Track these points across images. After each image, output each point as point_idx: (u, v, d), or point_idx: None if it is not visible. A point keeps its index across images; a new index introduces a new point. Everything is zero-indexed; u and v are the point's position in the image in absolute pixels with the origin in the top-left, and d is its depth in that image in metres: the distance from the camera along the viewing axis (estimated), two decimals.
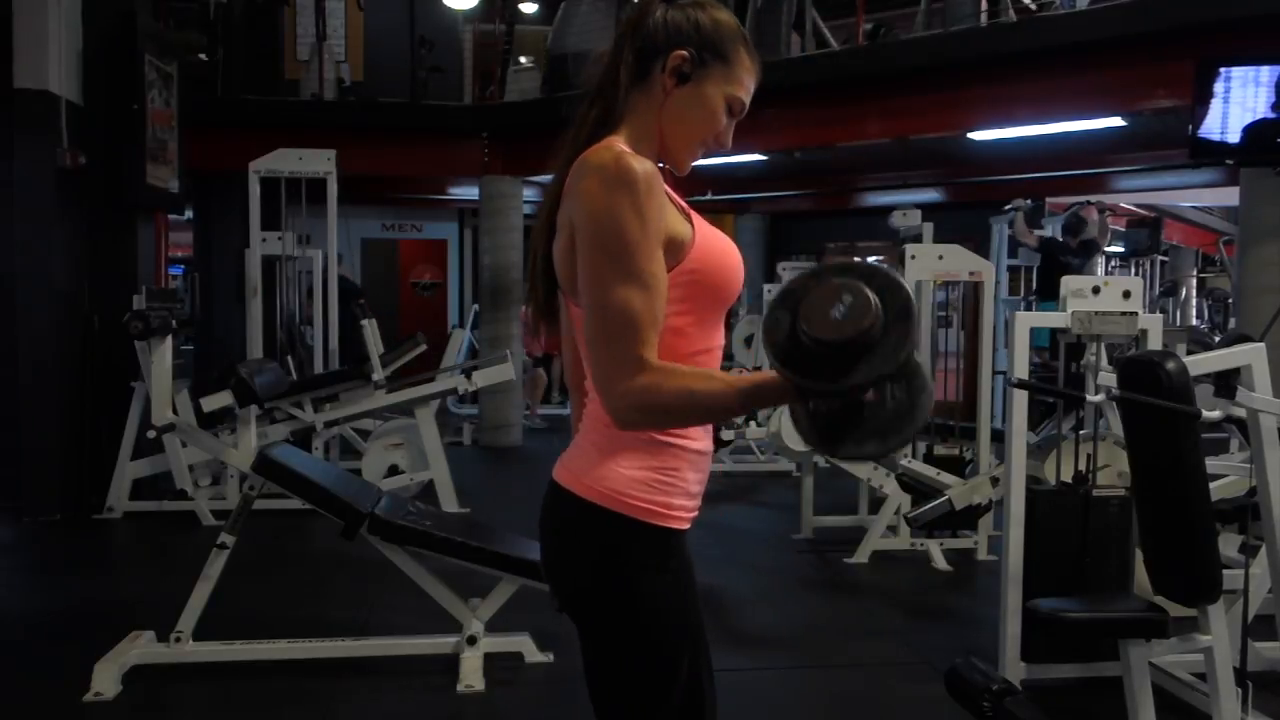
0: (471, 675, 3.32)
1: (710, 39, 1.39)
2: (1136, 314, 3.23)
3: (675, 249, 1.34)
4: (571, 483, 1.40)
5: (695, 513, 1.43)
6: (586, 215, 1.29)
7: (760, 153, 7.86)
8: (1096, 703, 3.16)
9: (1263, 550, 2.83)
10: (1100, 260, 8.77)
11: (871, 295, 1.19)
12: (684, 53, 1.38)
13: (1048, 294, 7.55)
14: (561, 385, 11.03)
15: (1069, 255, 7.50)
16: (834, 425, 1.27)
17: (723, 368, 1.44)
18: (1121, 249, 10.60)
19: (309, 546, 5.22)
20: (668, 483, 1.37)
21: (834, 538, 5.34)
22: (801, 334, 1.21)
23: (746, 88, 1.44)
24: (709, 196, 9.52)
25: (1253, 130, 4.92)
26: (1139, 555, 2.79)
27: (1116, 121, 6.32)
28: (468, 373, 6.23)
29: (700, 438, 1.42)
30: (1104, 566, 3.18)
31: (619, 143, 1.35)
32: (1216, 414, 2.51)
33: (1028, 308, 8.36)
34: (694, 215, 1.40)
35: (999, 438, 4.40)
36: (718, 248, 1.40)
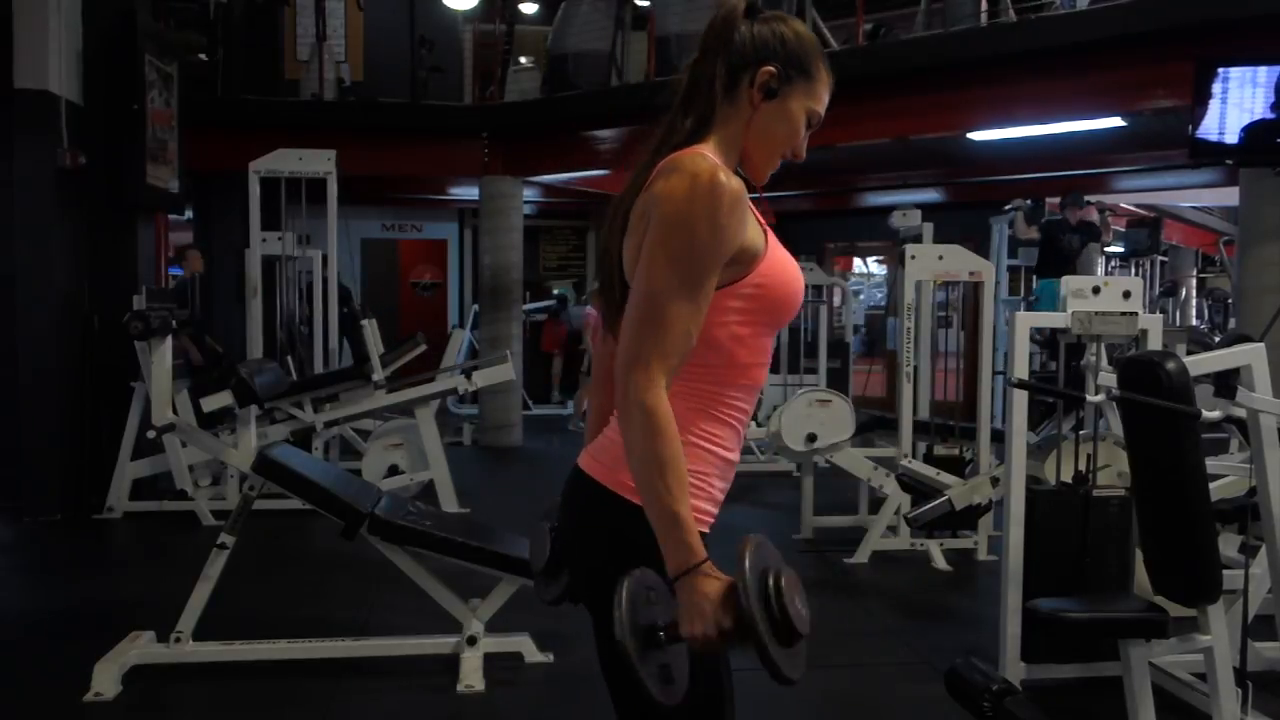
0: (471, 675, 3.32)
1: (795, 54, 1.42)
2: (1136, 314, 3.23)
3: (747, 259, 1.36)
4: (597, 471, 1.41)
5: (714, 519, 1.44)
6: (664, 213, 1.31)
7: None
8: (1096, 703, 3.16)
9: (1263, 550, 2.83)
10: (1100, 259, 8.77)
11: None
12: (771, 69, 1.40)
13: (1047, 272, 7.56)
14: (562, 384, 11.05)
15: (1069, 233, 7.51)
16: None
17: None
18: (1121, 249, 10.61)
19: (309, 546, 5.22)
20: (694, 485, 1.37)
21: (834, 538, 5.34)
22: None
23: (824, 101, 1.47)
24: None
25: (1252, 130, 4.92)
26: (1139, 555, 2.79)
27: (1116, 121, 6.32)
28: (468, 373, 6.23)
29: (733, 447, 1.44)
30: (1104, 566, 3.18)
31: (709, 152, 1.36)
32: (1216, 414, 2.51)
33: (1028, 307, 8.36)
34: (769, 232, 1.43)
35: (999, 438, 4.40)
36: (786, 267, 1.42)
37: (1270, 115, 4.87)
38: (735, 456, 1.45)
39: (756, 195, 1.45)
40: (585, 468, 1.44)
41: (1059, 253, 7.47)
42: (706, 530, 1.41)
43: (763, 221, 1.43)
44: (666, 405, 1.29)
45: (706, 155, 1.35)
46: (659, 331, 1.29)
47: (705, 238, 1.29)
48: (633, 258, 1.37)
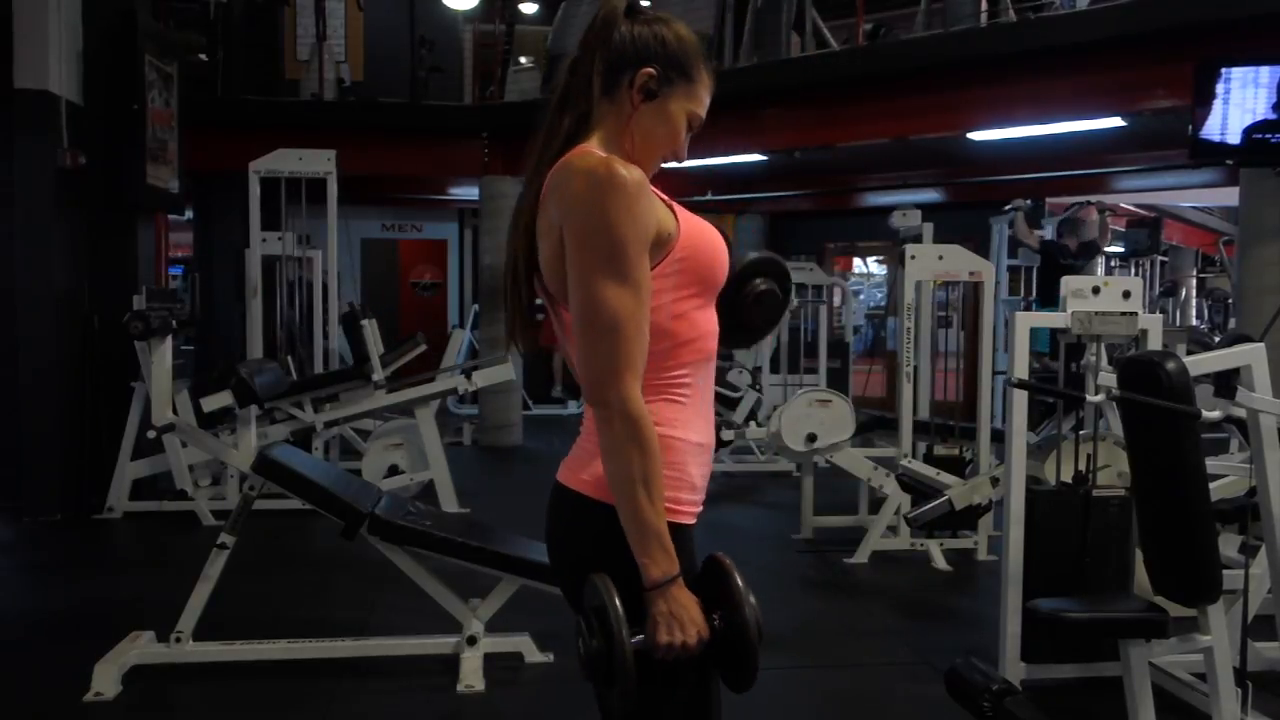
0: (471, 675, 3.32)
1: (675, 57, 1.42)
2: (1136, 314, 3.22)
3: (664, 242, 1.37)
4: (573, 481, 1.42)
5: (699, 507, 1.44)
6: (577, 217, 1.31)
7: (760, 153, 7.85)
8: (1096, 703, 3.16)
9: (1263, 550, 2.83)
10: (1100, 260, 8.76)
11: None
12: (651, 70, 1.41)
13: (1048, 300, 7.55)
14: (563, 380, 11.05)
15: (1070, 258, 7.50)
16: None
17: (721, 368, 1.46)
18: (1121, 249, 10.60)
19: (309, 546, 5.21)
20: (672, 476, 1.37)
21: (834, 538, 5.34)
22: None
23: (705, 104, 1.48)
24: (709, 196, 9.52)
25: (1253, 131, 4.92)
26: (1139, 555, 2.79)
27: (1116, 121, 6.32)
28: (468, 373, 6.23)
29: (700, 430, 1.43)
30: (1104, 566, 3.17)
31: (596, 149, 1.37)
32: (1216, 414, 2.51)
33: (1028, 309, 8.36)
34: (675, 205, 1.43)
35: (999, 438, 4.40)
36: (702, 233, 1.43)
37: (1271, 115, 4.87)
38: (705, 438, 1.45)
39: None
40: (565, 481, 1.44)
41: (1062, 275, 7.44)
42: (693, 520, 1.42)
43: (666, 199, 1.42)
44: (647, 414, 1.31)
45: (594, 151, 1.36)
46: (616, 338, 1.29)
47: (623, 228, 1.29)
48: (550, 265, 1.38)
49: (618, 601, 1.27)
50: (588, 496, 1.39)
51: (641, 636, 1.30)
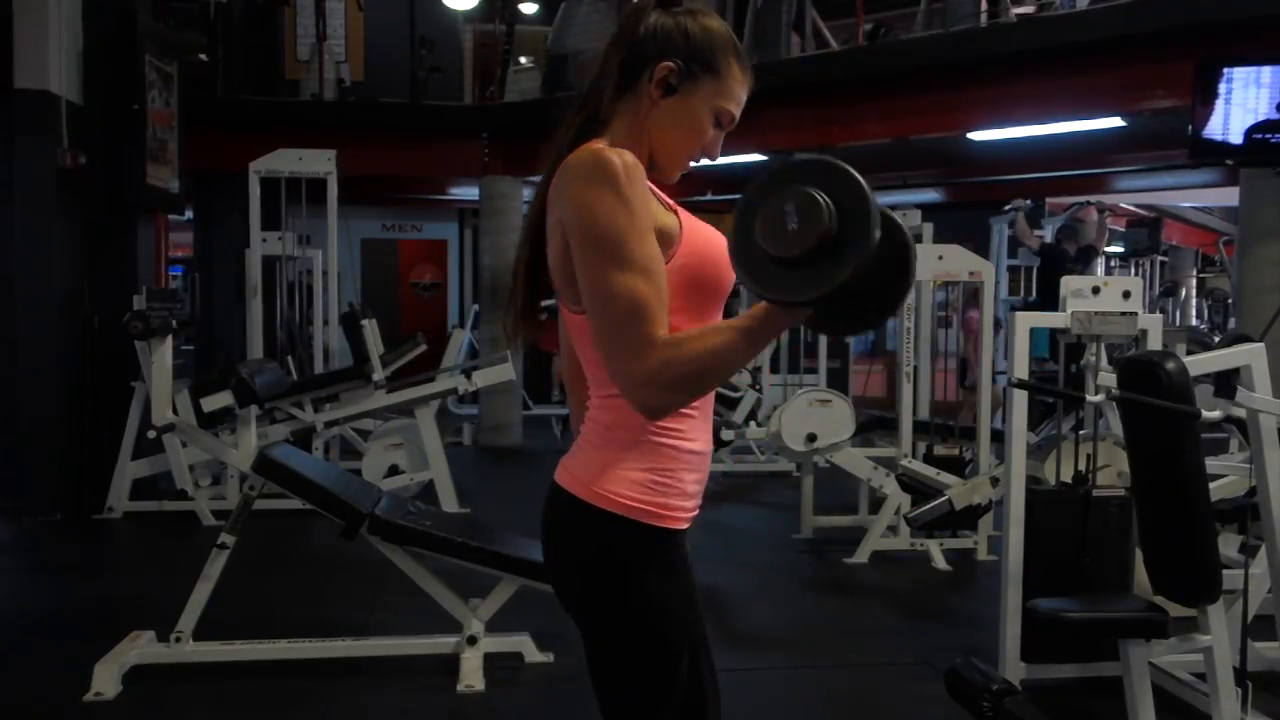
0: (471, 675, 3.32)
1: (699, 50, 1.37)
2: (1136, 314, 3.22)
3: (664, 241, 1.33)
4: (570, 483, 1.41)
5: (695, 512, 1.43)
6: (574, 215, 1.29)
7: (760, 153, 7.85)
8: (1096, 703, 3.16)
9: (1263, 550, 2.83)
10: (1100, 260, 8.77)
11: (817, 194, 1.17)
12: (670, 64, 1.36)
13: (1048, 303, 7.55)
14: (561, 385, 11.05)
15: (1069, 263, 7.51)
16: (845, 316, 1.31)
17: None
18: (1121, 249, 10.61)
19: (309, 546, 5.22)
20: (664, 483, 1.37)
21: (834, 538, 5.34)
22: (766, 257, 1.20)
23: (737, 99, 1.41)
24: (709, 197, 9.51)
25: (1253, 130, 4.92)
26: (1139, 555, 2.79)
27: (1116, 121, 6.32)
28: (468, 373, 6.23)
29: (697, 438, 1.41)
30: (1104, 566, 3.17)
31: (601, 145, 1.34)
32: (1216, 414, 2.51)
33: (1027, 309, 8.35)
34: (679, 209, 1.39)
35: (999, 438, 4.40)
36: (707, 238, 1.39)
37: (1272, 115, 4.87)
38: (702, 446, 1.42)
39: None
40: (562, 483, 1.42)
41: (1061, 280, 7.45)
42: (687, 525, 1.40)
43: (668, 201, 1.39)
44: (671, 352, 1.23)
45: (588, 145, 1.33)
46: (633, 316, 1.24)
47: (617, 215, 1.25)
48: (557, 264, 1.36)
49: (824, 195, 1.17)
50: (588, 503, 1.37)
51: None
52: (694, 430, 1.40)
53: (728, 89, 1.39)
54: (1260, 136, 4.91)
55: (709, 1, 7.22)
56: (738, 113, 1.42)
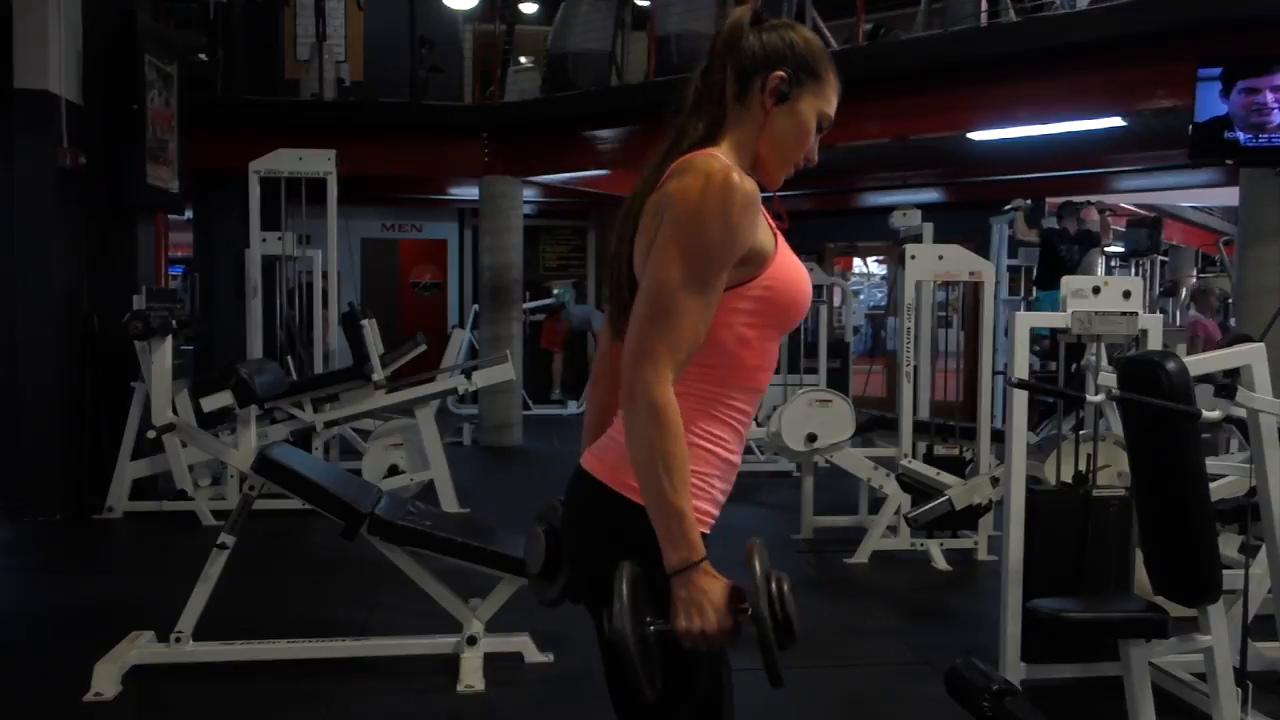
0: (471, 675, 3.32)
1: (804, 58, 1.44)
2: (1136, 314, 3.23)
3: (757, 261, 1.37)
4: (599, 470, 1.42)
5: (715, 519, 1.44)
6: (677, 210, 1.32)
7: None
8: (1096, 703, 3.16)
9: (1263, 550, 2.83)
10: (1100, 259, 8.77)
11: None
12: (782, 73, 1.43)
13: (1047, 284, 7.56)
14: (563, 381, 11.05)
15: (1068, 243, 7.52)
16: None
17: None
18: (1121, 249, 10.60)
19: (309, 546, 5.22)
20: (698, 486, 1.37)
21: (834, 538, 5.34)
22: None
23: (833, 103, 1.49)
24: None
25: (1253, 130, 4.91)
26: (1139, 555, 2.79)
27: (1116, 121, 6.32)
28: (468, 373, 6.23)
29: (734, 449, 1.44)
30: (1104, 566, 3.18)
31: (721, 155, 1.38)
32: (1216, 414, 2.51)
33: (1028, 307, 8.35)
34: (779, 236, 1.44)
35: (999, 438, 4.40)
36: (794, 271, 1.44)
37: (1273, 115, 4.87)
38: (737, 459, 1.46)
39: (769, 195, 1.46)
40: (588, 467, 1.45)
41: (1059, 262, 7.47)
42: (708, 531, 1.41)
43: (773, 225, 1.44)
44: (674, 400, 1.30)
45: (719, 156, 1.37)
46: (668, 326, 1.30)
47: (718, 235, 1.31)
48: (643, 257, 1.39)
49: (626, 583, 1.25)
50: (606, 485, 1.40)
51: (664, 622, 1.28)
52: (735, 442, 1.44)
53: (827, 93, 1.48)
54: (1260, 136, 4.91)
55: (711, 1, 7.24)
56: (833, 115, 1.50)
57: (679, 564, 1.28)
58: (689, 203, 1.32)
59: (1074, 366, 4.80)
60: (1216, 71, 4.89)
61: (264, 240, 6.66)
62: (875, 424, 5.76)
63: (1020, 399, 3.18)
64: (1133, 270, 10.58)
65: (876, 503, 5.24)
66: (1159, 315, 3.50)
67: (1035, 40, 5.59)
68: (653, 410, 1.29)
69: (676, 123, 1.46)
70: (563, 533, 1.49)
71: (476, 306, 9.62)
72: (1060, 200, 8.78)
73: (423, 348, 6.65)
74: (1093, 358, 3.47)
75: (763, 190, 1.44)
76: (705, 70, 1.46)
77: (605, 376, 1.57)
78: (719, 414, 1.40)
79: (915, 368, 5.12)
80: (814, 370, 8.18)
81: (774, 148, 1.45)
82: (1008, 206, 8.31)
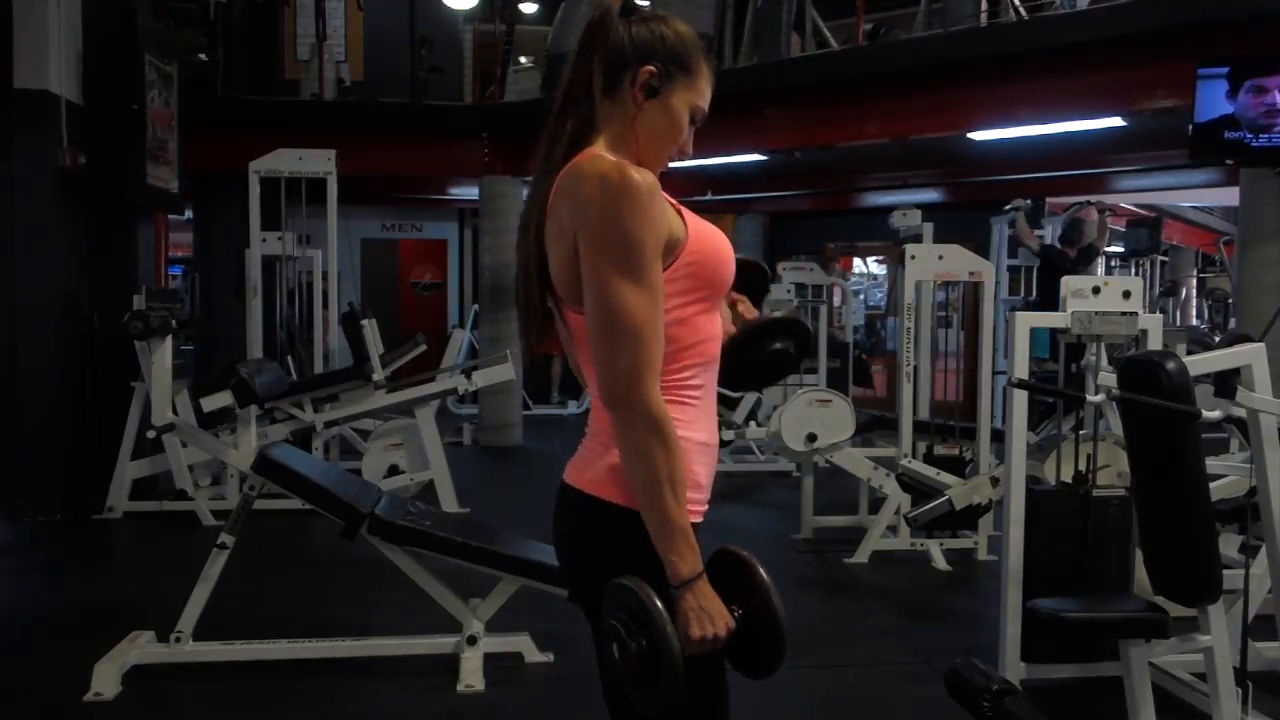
0: (471, 675, 3.32)
1: (675, 52, 1.43)
2: (1136, 314, 3.22)
3: (673, 246, 1.37)
4: (580, 481, 1.43)
5: (706, 506, 1.44)
6: (592, 222, 1.32)
7: (760, 153, 7.86)
8: (1096, 703, 3.16)
9: (1263, 550, 2.83)
10: (1100, 260, 8.76)
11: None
12: (652, 68, 1.41)
13: (1048, 304, 7.53)
14: (561, 384, 11.05)
15: (1069, 264, 7.50)
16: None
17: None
18: (1121, 249, 10.60)
19: (309, 546, 5.22)
20: None
21: (834, 538, 5.34)
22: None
23: (707, 96, 1.48)
24: (709, 197, 9.51)
25: (1253, 130, 4.91)
26: (1139, 555, 2.79)
27: (1116, 121, 6.32)
28: (468, 373, 6.23)
29: (704, 430, 1.44)
30: (1104, 566, 3.17)
31: (603, 151, 1.38)
32: (1216, 414, 2.51)
33: (1027, 310, 8.34)
34: (683, 210, 1.44)
35: (999, 438, 4.40)
36: (710, 237, 1.44)
37: (1274, 115, 4.87)
38: (708, 438, 1.45)
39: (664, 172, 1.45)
40: (571, 482, 1.45)
41: (1059, 280, 7.43)
42: (699, 519, 1.42)
43: (674, 204, 1.43)
44: (669, 416, 1.32)
45: (603, 155, 1.37)
46: (637, 341, 1.30)
47: (637, 231, 1.30)
48: (560, 270, 1.38)
49: (658, 601, 1.28)
50: (596, 497, 1.40)
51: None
52: (698, 421, 1.43)
53: (700, 86, 1.46)
54: (1261, 136, 4.91)
55: (711, 1, 7.24)
56: (707, 109, 1.49)
57: (686, 575, 1.31)
58: (597, 212, 1.31)
59: (1074, 366, 4.80)
60: (1219, 71, 4.89)
61: (264, 240, 6.66)
62: (875, 424, 5.76)
63: (1020, 399, 3.18)
64: (1133, 270, 10.58)
65: (876, 503, 5.24)
66: (1159, 315, 3.50)
67: (1035, 40, 5.59)
68: (653, 428, 1.30)
69: (548, 124, 1.44)
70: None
71: (476, 306, 9.62)
72: (1060, 203, 8.78)
73: (423, 348, 6.66)
74: (1093, 358, 3.47)
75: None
76: (573, 65, 1.45)
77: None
78: (682, 398, 1.40)
79: (915, 368, 5.13)
80: (814, 370, 8.18)
81: (648, 143, 1.44)
82: (1008, 206, 8.29)
